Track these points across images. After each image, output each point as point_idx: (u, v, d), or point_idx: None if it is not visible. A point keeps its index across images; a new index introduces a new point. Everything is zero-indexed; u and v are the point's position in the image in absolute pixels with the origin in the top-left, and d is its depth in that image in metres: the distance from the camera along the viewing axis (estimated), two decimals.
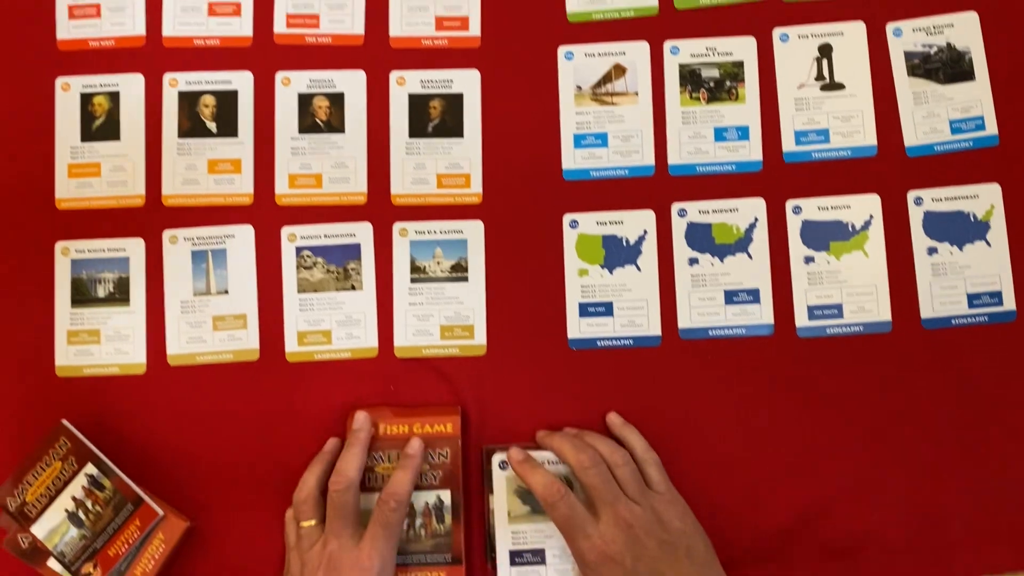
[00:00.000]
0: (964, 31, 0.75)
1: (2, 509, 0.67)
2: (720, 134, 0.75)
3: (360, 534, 0.66)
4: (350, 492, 0.66)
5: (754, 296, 0.73)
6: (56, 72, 0.76)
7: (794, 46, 0.75)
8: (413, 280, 0.74)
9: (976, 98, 0.74)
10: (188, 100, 0.76)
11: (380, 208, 0.75)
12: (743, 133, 0.75)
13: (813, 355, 0.73)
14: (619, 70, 0.76)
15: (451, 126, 0.76)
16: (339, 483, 0.66)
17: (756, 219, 0.74)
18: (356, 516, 0.66)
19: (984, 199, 0.73)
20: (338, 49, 0.76)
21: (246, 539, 0.71)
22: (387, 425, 0.71)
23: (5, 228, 0.75)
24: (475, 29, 0.76)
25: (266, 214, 0.75)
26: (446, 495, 0.70)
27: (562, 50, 0.76)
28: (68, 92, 0.76)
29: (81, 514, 0.67)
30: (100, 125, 0.76)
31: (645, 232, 0.74)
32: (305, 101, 0.76)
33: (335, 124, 0.76)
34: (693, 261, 0.74)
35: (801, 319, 0.73)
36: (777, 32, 0.75)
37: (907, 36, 0.75)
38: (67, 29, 0.77)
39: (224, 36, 0.76)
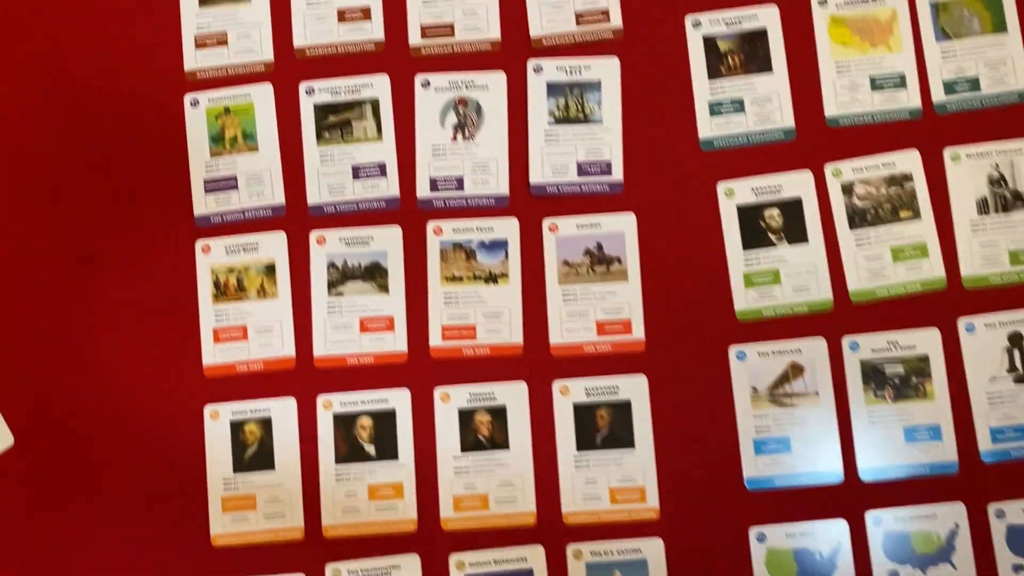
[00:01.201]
0: None
1: None
2: (911, 434, 0.70)
3: None
4: None
5: None
6: (204, 400, 0.73)
7: (981, 336, 0.71)
8: None
9: None
10: (344, 423, 0.72)
11: (551, 529, 0.71)
12: (935, 433, 0.70)
13: None
14: (796, 369, 0.72)
15: (620, 436, 0.72)
16: None
17: (957, 525, 0.69)
18: None
19: None
20: (496, 360, 0.73)
21: None
22: None
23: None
24: (639, 332, 0.73)
25: (432, 542, 0.71)
26: None
27: (733, 350, 0.72)
28: (217, 421, 0.73)
29: None
30: (253, 454, 0.72)
31: (839, 544, 0.70)
32: (466, 417, 0.72)
33: (499, 440, 0.72)
34: (893, 574, 0.69)
35: None
36: (962, 323, 0.71)
37: None
38: (213, 354, 0.74)
39: (378, 353, 0.73)
